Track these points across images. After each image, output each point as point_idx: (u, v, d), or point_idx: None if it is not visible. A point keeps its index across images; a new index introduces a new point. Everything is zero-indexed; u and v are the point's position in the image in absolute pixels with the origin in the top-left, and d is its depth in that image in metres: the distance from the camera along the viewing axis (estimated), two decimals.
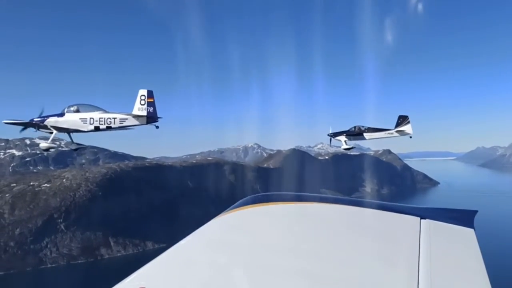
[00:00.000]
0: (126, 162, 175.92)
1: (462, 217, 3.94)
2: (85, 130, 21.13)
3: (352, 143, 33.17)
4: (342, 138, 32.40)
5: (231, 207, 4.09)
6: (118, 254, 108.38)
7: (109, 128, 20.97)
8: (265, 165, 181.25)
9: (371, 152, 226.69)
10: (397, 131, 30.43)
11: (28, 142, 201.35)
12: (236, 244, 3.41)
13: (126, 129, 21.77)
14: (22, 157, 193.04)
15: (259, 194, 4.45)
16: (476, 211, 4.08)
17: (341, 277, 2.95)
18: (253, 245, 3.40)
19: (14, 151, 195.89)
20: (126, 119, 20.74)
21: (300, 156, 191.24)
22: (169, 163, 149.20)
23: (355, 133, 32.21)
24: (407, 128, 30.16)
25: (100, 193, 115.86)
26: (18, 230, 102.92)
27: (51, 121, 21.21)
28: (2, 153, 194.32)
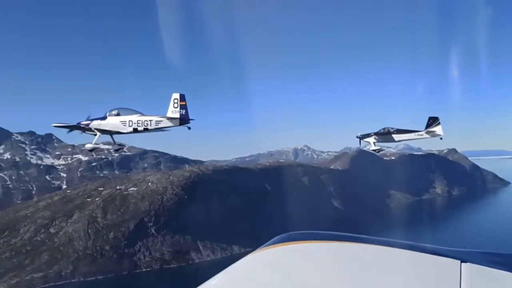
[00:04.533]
0: (186, 166, 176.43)
1: (507, 261, 3.60)
2: (125, 131, 22.80)
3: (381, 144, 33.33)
4: (371, 139, 32.57)
5: (264, 244, 3.97)
6: (208, 259, 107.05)
7: (146, 129, 22.44)
8: (332, 166, 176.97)
9: (435, 151, 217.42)
10: (427, 132, 30.13)
11: None
12: (270, 284, 3.34)
13: (162, 130, 23.18)
14: (88, 162, 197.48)
15: (292, 232, 4.29)
16: None
17: None
18: (287, 285, 3.30)
19: (80, 156, 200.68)
20: (161, 121, 22.09)
21: (367, 157, 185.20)
22: (244, 166, 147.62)
23: (384, 134, 32.18)
24: (437, 129, 29.80)
25: (185, 197, 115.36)
26: (112, 234, 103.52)
27: (95, 124, 23.05)
28: (69, 158, 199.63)
